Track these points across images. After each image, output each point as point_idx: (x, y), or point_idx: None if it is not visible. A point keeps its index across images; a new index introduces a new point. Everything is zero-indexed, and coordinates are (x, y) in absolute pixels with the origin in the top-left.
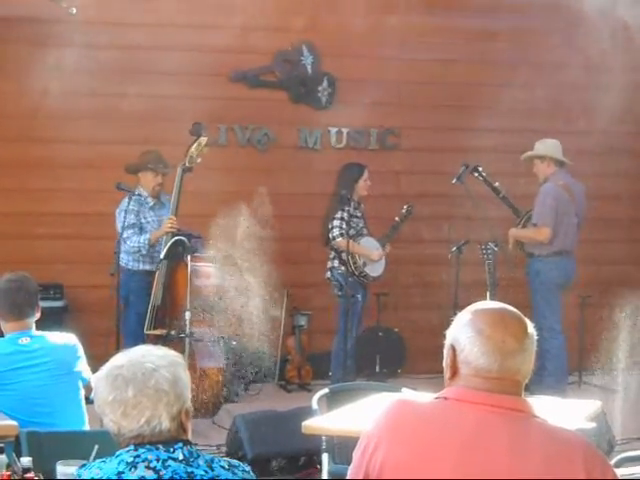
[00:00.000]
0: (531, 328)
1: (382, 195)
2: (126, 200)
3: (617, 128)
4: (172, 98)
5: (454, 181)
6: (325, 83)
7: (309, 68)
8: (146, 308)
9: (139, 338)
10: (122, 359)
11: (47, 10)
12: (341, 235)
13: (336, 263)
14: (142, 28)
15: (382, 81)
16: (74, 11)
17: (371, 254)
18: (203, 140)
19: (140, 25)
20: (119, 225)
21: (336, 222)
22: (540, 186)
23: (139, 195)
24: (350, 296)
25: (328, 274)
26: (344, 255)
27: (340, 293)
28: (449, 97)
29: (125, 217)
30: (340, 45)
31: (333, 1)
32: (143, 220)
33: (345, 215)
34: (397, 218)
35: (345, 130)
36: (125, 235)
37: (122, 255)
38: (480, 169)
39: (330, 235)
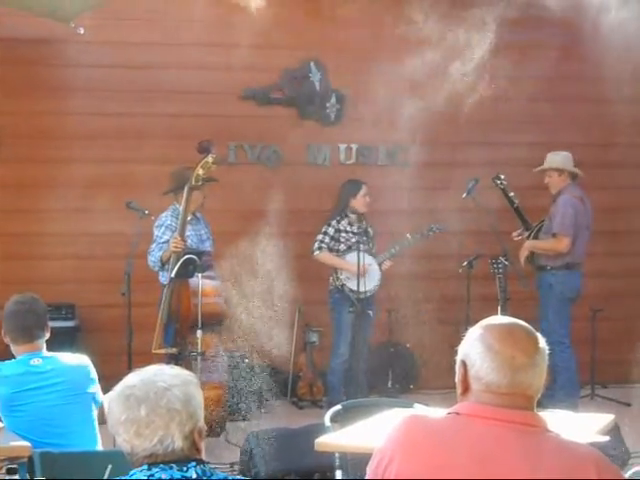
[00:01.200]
0: (542, 343)
1: (391, 211)
2: (165, 215)
3: (628, 140)
4: (181, 116)
5: (464, 196)
6: (333, 99)
7: (317, 85)
8: None
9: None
10: (134, 379)
11: (55, 30)
12: (319, 249)
13: (330, 280)
14: (151, 47)
15: (390, 97)
16: (82, 31)
17: (350, 268)
18: (211, 158)
19: (149, 44)
20: (154, 238)
21: (319, 236)
22: (554, 198)
23: (175, 209)
24: (360, 312)
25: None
26: (332, 270)
27: (351, 309)
28: (458, 112)
29: (163, 232)
30: (348, 61)
31: (340, 17)
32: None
33: (330, 230)
34: (409, 235)
35: (354, 146)
36: (150, 249)
37: (160, 272)
38: (502, 177)
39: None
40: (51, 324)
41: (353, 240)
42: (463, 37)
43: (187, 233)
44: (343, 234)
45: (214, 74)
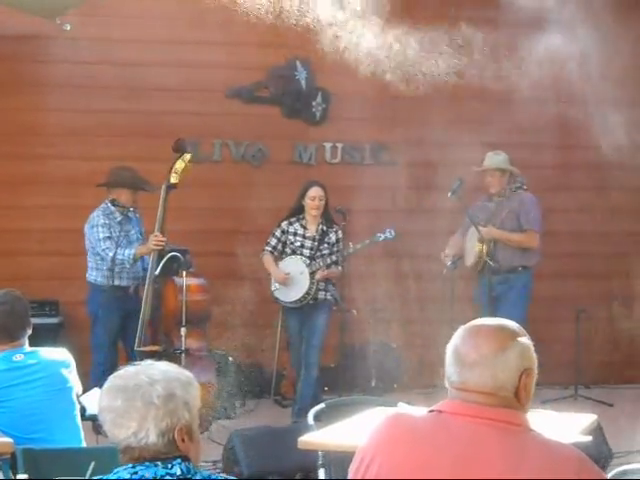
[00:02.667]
0: (514, 345)
1: (376, 210)
2: (96, 214)
3: (612, 142)
4: (167, 114)
5: (449, 195)
6: (319, 98)
7: (303, 83)
8: (115, 324)
9: (108, 353)
10: (126, 371)
11: (41, 27)
12: (263, 251)
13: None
14: (137, 44)
15: (376, 96)
16: (68, 27)
17: (275, 276)
18: (187, 156)
19: (135, 41)
20: (93, 240)
21: (268, 239)
22: (490, 197)
23: (106, 208)
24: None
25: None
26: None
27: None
28: (443, 112)
29: (102, 231)
30: (334, 60)
31: (326, 16)
32: (113, 234)
33: (277, 231)
34: (351, 245)
35: (339, 145)
36: (103, 247)
37: (89, 272)
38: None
39: None
40: (35, 321)
41: (297, 244)
42: (443, 37)
43: (117, 233)
44: (290, 237)
45: (200, 72)
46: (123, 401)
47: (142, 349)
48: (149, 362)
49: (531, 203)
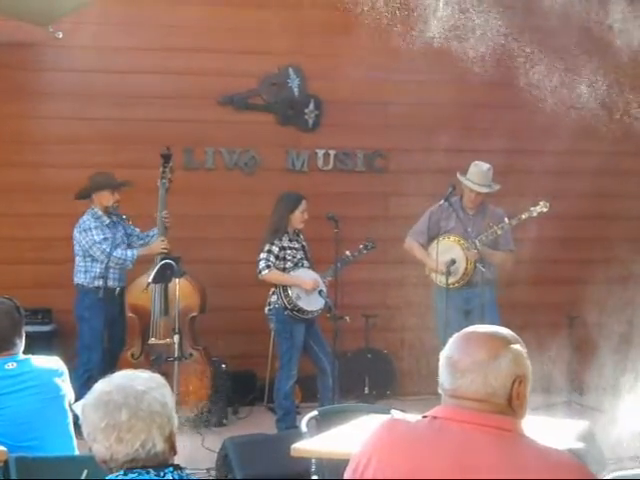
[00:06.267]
0: (505, 351)
1: (369, 217)
2: (86, 218)
3: (609, 149)
4: (160, 122)
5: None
6: (312, 105)
7: (296, 90)
8: (101, 325)
9: (92, 354)
10: (108, 385)
11: (33, 34)
12: (267, 267)
13: (274, 298)
14: (129, 52)
15: (369, 103)
16: (60, 35)
17: (303, 283)
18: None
19: (127, 49)
20: (87, 243)
21: (262, 255)
22: (477, 210)
23: (94, 213)
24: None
25: (266, 310)
26: (279, 288)
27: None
28: (436, 118)
29: (97, 234)
30: (327, 67)
31: (319, 23)
32: (108, 235)
33: (274, 248)
34: (348, 253)
35: (332, 152)
36: (102, 248)
37: (78, 275)
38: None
39: (257, 269)
40: (28, 329)
41: (298, 257)
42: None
43: (107, 236)
44: (288, 251)
45: (192, 79)
46: (129, 415)
47: (155, 342)
48: (124, 373)
49: (504, 220)
